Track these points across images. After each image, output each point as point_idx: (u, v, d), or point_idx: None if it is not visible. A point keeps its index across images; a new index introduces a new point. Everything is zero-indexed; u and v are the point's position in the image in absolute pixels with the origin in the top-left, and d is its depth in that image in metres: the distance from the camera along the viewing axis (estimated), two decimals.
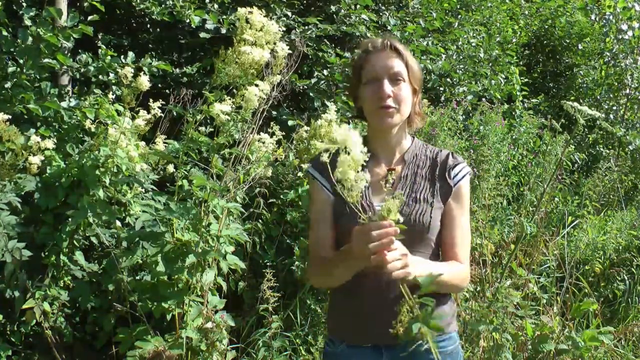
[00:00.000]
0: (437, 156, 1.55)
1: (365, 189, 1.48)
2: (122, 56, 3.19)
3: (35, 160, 2.49)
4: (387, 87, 1.46)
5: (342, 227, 1.47)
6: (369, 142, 1.56)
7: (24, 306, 2.40)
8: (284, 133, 3.19)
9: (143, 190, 2.76)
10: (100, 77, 3.16)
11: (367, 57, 1.52)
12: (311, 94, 3.99)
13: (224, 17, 3.83)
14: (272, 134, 2.98)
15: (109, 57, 3.10)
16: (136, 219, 2.57)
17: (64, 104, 2.86)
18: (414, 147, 1.58)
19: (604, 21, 7.17)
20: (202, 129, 3.43)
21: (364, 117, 1.57)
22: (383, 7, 5.01)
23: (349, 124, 3.75)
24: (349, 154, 1.10)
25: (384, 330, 1.40)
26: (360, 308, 1.45)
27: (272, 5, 4.05)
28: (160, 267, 2.29)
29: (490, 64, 5.65)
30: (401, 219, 1.19)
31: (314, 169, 1.56)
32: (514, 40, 6.34)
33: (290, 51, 2.47)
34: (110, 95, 2.72)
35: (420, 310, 1.20)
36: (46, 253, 2.53)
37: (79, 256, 2.60)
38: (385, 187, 1.49)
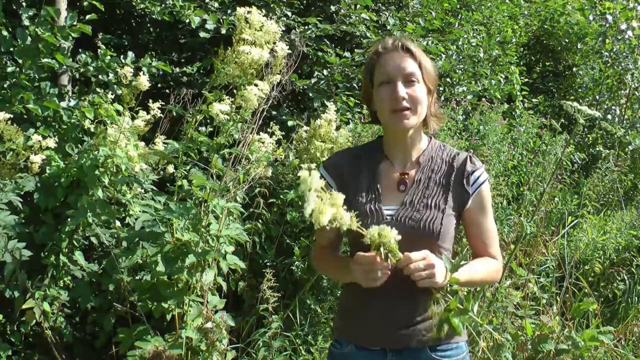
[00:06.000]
0: (454, 160, 1.50)
1: (376, 194, 1.47)
2: (121, 56, 3.19)
3: (37, 159, 2.49)
4: (401, 89, 1.42)
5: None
6: (384, 145, 1.55)
7: (24, 306, 2.40)
8: (283, 133, 3.19)
9: (143, 190, 2.76)
10: (100, 77, 3.16)
11: (378, 59, 1.48)
12: (311, 94, 3.99)
13: (224, 17, 3.82)
14: (271, 134, 2.98)
15: (108, 57, 3.10)
16: (136, 219, 2.57)
17: (63, 104, 2.86)
18: (430, 149, 1.54)
19: (604, 21, 7.16)
20: (202, 129, 3.44)
21: (378, 121, 1.53)
22: (383, 7, 5.00)
23: (348, 124, 3.75)
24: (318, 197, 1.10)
25: (394, 334, 1.41)
26: (371, 311, 1.44)
27: (272, 5, 4.04)
28: (160, 267, 2.29)
29: (490, 64, 5.65)
30: (396, 238, 1.22)
31: (324, 169, 1.55)
32: (513, 40, 6.34)
33: (290, 51, 2.47)
34: (110, 95, 2.72)
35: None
36: (46, 253, 2.53)
37: (78, 256, 2.60)
38: (398, 189, 1.49)
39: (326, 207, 1.09)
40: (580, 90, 7.32)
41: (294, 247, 3.08)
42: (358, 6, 4.41)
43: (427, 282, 1.26)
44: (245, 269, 2.71)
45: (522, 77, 6.10)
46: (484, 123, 4.39)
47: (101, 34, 3.20)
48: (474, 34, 5.40)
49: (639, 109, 6.82)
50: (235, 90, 2.28)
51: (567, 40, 7.23)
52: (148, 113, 2.78)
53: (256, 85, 2.21)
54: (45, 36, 2.76)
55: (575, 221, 4.35)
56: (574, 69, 7.35)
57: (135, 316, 2.45)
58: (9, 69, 2.80)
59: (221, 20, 3.78)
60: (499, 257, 1.52)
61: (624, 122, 6.63)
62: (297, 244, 3.09)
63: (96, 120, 2.77)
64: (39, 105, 2.75)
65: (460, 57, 5.10)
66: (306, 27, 4.05)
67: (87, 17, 3.02)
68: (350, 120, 3.84)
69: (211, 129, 2.98)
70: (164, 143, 2.88)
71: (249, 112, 2.27)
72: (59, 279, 2.57)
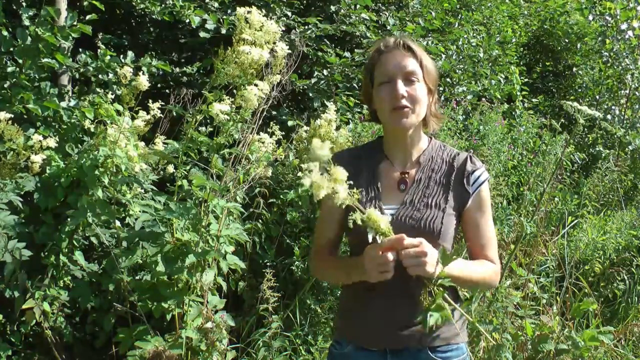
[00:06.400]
0: (454, 160, 1.50)
1: (376, 193, 1.47)
2: (121, 56, 3.19)
3: (38, 159, 2.49)
4: (401, 87, 1.42)
5: (350, 225, 1.47)
6: (384, 145, 1.55)
7: (24, 306, 2.39)
8: (283, 133, 3.19)
9: (143, 190, 2.76)
10: (100, 77, 3.16)
11: (379, 58, 1.48)
12: (311, 94, 3.99)
13: (224, 17, 3.83)
14: (271, 134, 2.98)
15: (108, 57, 3.10)
16: (136, 219, 2.57)
17: (63, 104, 2.86)
18: (431, 148, 1.54)
19: (604, 21, 7.16)
20: (202, 129, 3.44)
21: (378, 120, 1.53)
22: (383, 7, 5.00)
23: (348, 124, 3.75)
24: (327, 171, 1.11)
25: (393, 334, 1.41)
26: (371, 311, 1.44)
27: (272, 5, 4.05)
28: (160, 267, 2.29)
29: (490, 64, 5.65)
30: (387, 223, 1.21)
31: None
32: (513, 40, 6.34)
33: (290, 51, 2.47)
34: (110, 95, 2.72)
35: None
36: (46, 253, 2.53)
37: (78, 256, 2.60)
38: (398, 189, 1.48)
39: (326, 181, 1.09)
40: (580, 90, 7.32)
41: (294, 247, 3.08)
42: (358, 6, 4.42)
43: (417, 269, 1.24)
44: (245, 269, 2.71)
45: (522, 77, 6.11)
46: (484, 123, 4.39)
47: (101, 34, 3.20)
48: (474, 34, 5.40)
49: (639, 109, 6.82)
50: (235, 90, 2.28)
51: (567, 40, 7.23)
52: (148, 113, 2.77)
53: (256, 85, 2.21)
54: (45, 36, 2.76)
55: (575, 221, 4.36)
56: (574, 69, 7.35)
57: (135, 316, 2.45)
58: (9, 69, 2.80)
59: (221, 20, 3.79)
60: (496, 261, 1.51)
61: (624, 122, 6.63)
62: (297, 244, 3.09)
63: (96, 120, 2.77)
64: (39, 105, 2.75)
65: (460, 57, 5.11)
66: (306, 27, 4.05)
67: (87, 17, 3.02)
68: (350, 120, 3.84)
69: (211, 129, 2.98)
70: (164, 143, 2.88)
71: (249, 112, 2.27)
72: (59, 279, 2.57)
